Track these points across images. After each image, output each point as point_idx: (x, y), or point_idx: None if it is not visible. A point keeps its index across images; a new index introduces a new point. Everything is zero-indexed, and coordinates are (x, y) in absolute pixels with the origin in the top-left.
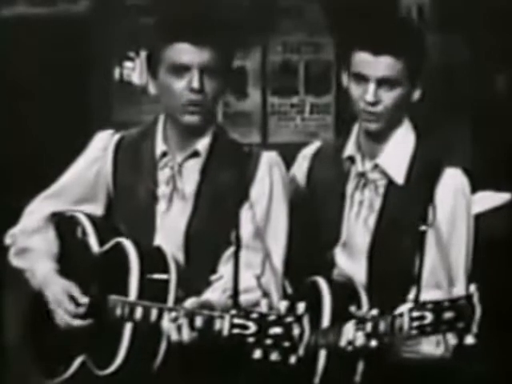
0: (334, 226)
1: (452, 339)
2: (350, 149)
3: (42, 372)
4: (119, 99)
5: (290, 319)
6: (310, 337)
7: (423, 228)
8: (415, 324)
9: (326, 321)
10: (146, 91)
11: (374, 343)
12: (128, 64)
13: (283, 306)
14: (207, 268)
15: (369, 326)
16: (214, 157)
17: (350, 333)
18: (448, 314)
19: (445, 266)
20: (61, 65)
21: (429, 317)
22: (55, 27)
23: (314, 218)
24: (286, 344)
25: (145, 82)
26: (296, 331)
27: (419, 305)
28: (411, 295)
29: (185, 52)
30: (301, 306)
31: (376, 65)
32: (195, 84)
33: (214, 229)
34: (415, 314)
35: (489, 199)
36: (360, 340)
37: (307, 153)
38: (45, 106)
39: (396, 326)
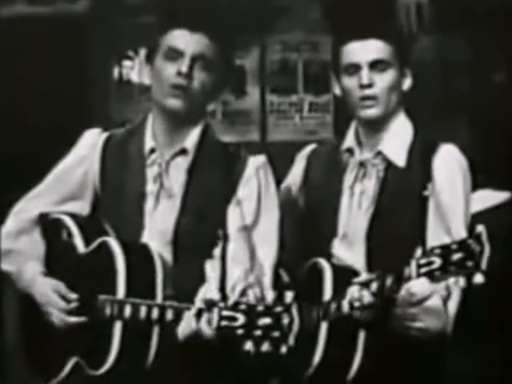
0: (332, 219)
1: (461, 281)
2: (348, 141)
3: (37, 374)
4: (118, 98)
5: (278, 309)
6: (311, 312)
7: (426, 193)
8: (423, 270)
9: (327, 295)
10: (145, 90)
11: (380, 300)
12: (127, 63)
13: (270, 296)
14: (195, 266)
15: (374, 286)
16: (202, 155)
17: (355, 293)
18: (457, 256)
19: (446, 230)
20: (60, 64)
21: (437, 261)
22: (54, 26)
23: (311, 213)
24: (276, 334)
25: (144, 76)
26: (285, 321)
27: (427, 252)
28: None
29: (181, 37)
30: (289, 295)
31: (365, 49)
32: (183, 68)
33: (201, 227)
34: (423, 260)
35: (488, 198)
36: (366, 298)
37: (304, 153)
38: (44, 104)
39: (404, 277)
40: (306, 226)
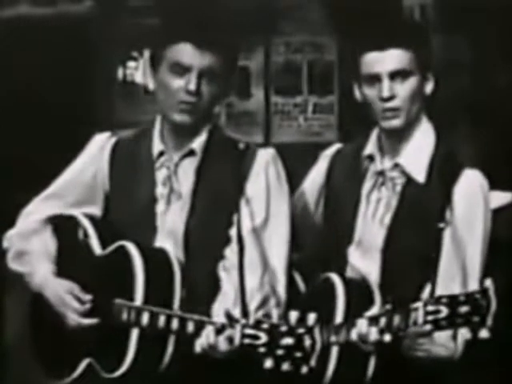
0: (349, 225)
1: (466, 334)
2: (370, 148)
3: (47, 374)
4: (122, 99)
5: (301, 330)
6: (322, 333)
7: (441, 225)
8: (430, 318)
9: (339, 317)
10: (149, 91)
11: (387, 338)
12: (131, 64)
13: (294, 316)
14: (207, 267)
15: (383, 322)
16: (210, 155)
17: (363, 327)
18: (463, 308)
19: (460, 264)
20: (63, 65)
21: (444, 311)
22: (58, 27)
23: (330, 216)
24: (298, 355)
25: (148, 81)
26: (307, 342)
27: (434, 299)
28: (426, 291)
29: (187, 53)
30: (311, 317)
31: (385, 59)
32: (191, 86)
33: (212, 227)
34: (430, 308)
35: (496, 198)
36: (374, 335)
37: (328, 152)
38: (47, 106)
39: (410, 321)
40: (324, 229)
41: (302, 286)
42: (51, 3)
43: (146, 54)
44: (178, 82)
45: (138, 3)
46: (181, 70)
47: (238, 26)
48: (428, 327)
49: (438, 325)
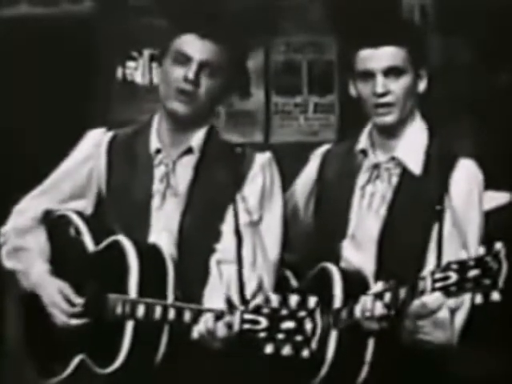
0: (342, 219)
1: (477, 298)
2: (363, 142)
3: (40, 372)
4: (122, 99)
5: (302, 314)
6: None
7: (438, 208)
8: (438, 285)
9: (337, 303)
10: (148, 90)
11: (392, 312)
12: (131, 64)
13: (294, 300)
14: (200, 264)
15: (387, 297)
16: (208, 155)
17: (367, 303)
18: (473, 272)
19: (461, 246)
20: (63, 65)
21: (453, 277)
22: (58, 27)
23: (323, 212)
24: (299, 338)
25: (147, 81)
26: (308, 326)
27: (443, 266)
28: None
29: (190, 43)
30: (312, 300)
31: (379, 56)
32: (190, 74)
33: (206, 225)
34: (438, 275)
35: (493, 198)
36: (379, 310)
37: (319, 152)
38: (47, 105)
39: (418, 291)
40: (316, 226)
41: (294, 282)
42: (51, 3)
43: (146, 53)
44: (178, 72)
45: (138, 3)
46: (183, 59)
47: (239, 25)
48: (436, 295)
49: (447, 291)
